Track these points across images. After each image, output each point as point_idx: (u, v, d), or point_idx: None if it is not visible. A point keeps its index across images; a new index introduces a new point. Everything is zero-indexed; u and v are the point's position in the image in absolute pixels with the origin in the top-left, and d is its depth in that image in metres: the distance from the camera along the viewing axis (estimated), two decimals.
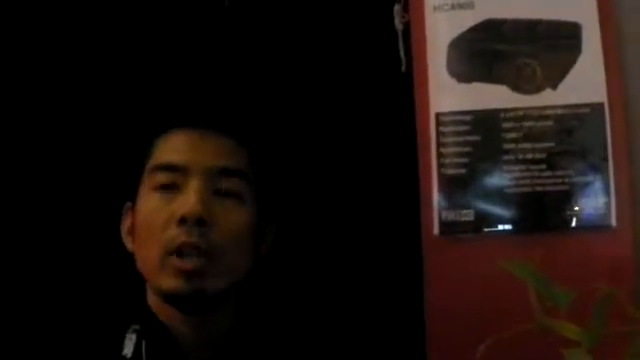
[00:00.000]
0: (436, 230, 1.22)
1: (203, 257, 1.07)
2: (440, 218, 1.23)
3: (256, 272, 1.17)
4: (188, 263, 1.07)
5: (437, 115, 1.24)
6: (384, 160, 1.41)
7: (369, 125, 1.41)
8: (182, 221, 1.07)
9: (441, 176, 1.23)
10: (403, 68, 1.28)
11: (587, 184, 1.21)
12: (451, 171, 1.23)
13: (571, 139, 1.22)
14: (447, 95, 1.24)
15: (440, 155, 1.24)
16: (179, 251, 1.07)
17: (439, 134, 1.24)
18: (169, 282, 1.08)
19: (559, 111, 1.22)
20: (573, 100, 1.22)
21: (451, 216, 1.22)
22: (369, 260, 1.25)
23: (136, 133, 1.19)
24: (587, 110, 1.22)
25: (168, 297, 1.09)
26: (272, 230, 1.20)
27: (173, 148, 1.13)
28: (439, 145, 1.24)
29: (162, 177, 1.11)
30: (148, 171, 1.14)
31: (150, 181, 1.12)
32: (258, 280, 1.22)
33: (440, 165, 1.23)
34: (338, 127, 1.42)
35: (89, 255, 1.42)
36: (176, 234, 1.07)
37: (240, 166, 1.13)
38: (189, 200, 1.08)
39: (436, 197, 1.23)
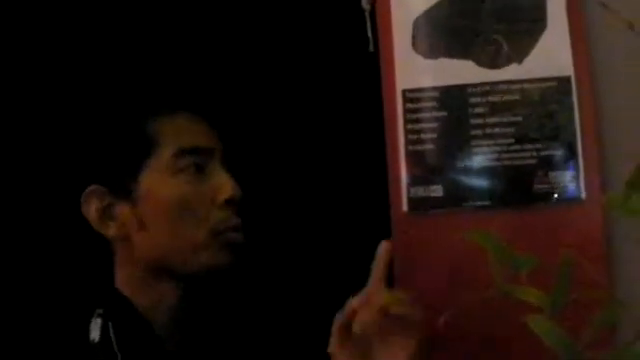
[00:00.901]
0: (405, 207, 1.21)
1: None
2: (408, 195, 1.21)
3: None
4: (239, 236, 1.14)
5: (404, 92, 1.23)
6: (351, 139, 1.39)
7: (336, 106, 1.40)
8: (228, 203, 1.12)
9: (408, 153, 1.22)
10: (371, 47, 1.27)
11: (556, 157, 1.20)
12: (419, 147, 1.22)
13: (539, 113, 1.21)
14: (413, 72, 1.23)
15: (407, 132, 1.22)
16: (236, 229, 1.12)
17: (406, 111, 1.23)
18: (221, 257, 1.12)
19: (525, 85, 1.21)
20: (539, 74, 1.21)
21: (419, 192, 1.21)
22: (338, 240, 1.23)
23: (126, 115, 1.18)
24: (554, 83, 1.21)
25: (210, 272, 1.12)
26: None
27: (190, 131, 1.15)
28: (406, 122, 1.23)
29: (191, 159, 1.12)
30: (164, 154, 1.12)
31: (174, 164, 1.12)
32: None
33: (407, 142, 1.22)
34: (306, 108, 1.40)
35: (51, 240, 1.40)
36: (226, 216, 1.13)
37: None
38: (227, 182, 1.13)
39: (404, 174, 1.22)
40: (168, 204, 1.13)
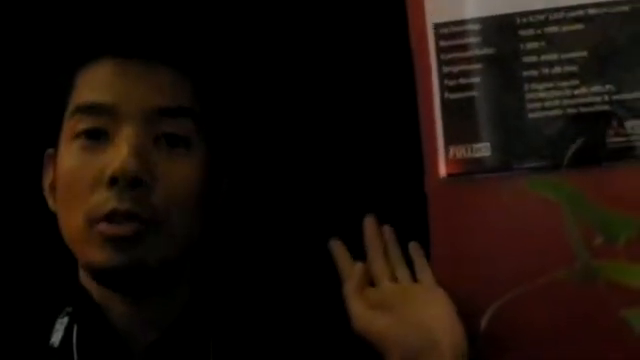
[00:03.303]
0: (442, 170, 1.00)
1: (139, 222, 0.86)
2: (447, 155, 1.00)
3: (212, 239, 0.97)
4: (120, 228, 0.85)
5: (436, 26, 1.01)
6: (374, 86, 1.18)
7: (356, 45, 1.18)
8: (112, 182, 0.86)
9: (445, 102, 1.00)
10: None
11: (633, 102, 0.98)
12: (457, 95, 1.00)
13: (609, 46, 0.98)
14: (446, 1, 1.02)
15: (442, 76, 1.01)
16: (109, 218, 0.85)
17: (439, 50, 1.01)
18: (97, 254, 0.86)
19: (591, 11, 0.99)
20: None
21: (461, 152, 1.00)
22: (363, 208, 1.03)
23: (56, 63, 0.97)
24: (626, 7, 0.99)
25: (98, 274, 0.88)
26: (227, 181, 1.00)
27: (98, 83, 0.91)
28: (440, 64, 1.01)
29: (85, 122, 0.90)
30: (68, 114, 0.92)
31: (71, 127, 0.91)
32: (215, 249, 1.03)
33: (443, 89, 1.01)
34: (318, 49, 1.19)
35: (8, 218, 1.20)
36: (104, 199, 0.86)
37: (185, 103, 0.91)
38: (121, 152, 0.86)
39: (440, 129, 1.00)
40: (61, 178, 0.92)
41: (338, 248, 1.02)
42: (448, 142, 1.00)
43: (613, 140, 0.98)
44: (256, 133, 1.17)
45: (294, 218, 1.17)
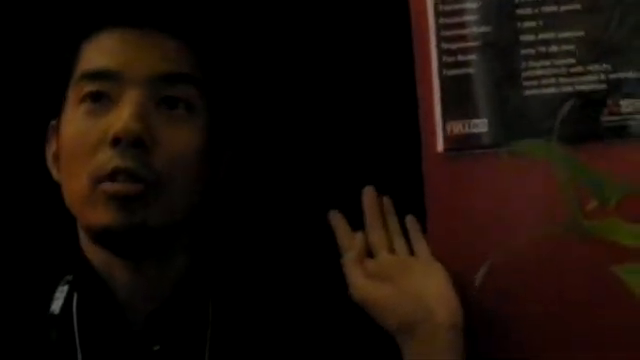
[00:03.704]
0: (440, 145, 1.01)
1: (141, 183, 0.87)
2: (444, 131, 1.01)
3: (212, 209, 0.98)
4: (122, 186, 0.86)
5: (435, 4, 1.02)
6: (374, 62, 1.18)
7: (356, 21, 1.18)
8: (115, 142, 0.87)
9: (444, 79, 1.01)
10: None
11: (630, 81, 0.98)
12: (456, 72, 1.01)
13: (606, 25, 0.99)
14: None
15: (441, 52, 1.01)
16: (112, 177, 0.86)
17: (439, 27, 1.02)
18: (99, 215, 0.87)
19: None
20: None
21: (458, 128, 1.00)
22: (359, 183, 1.03)
23: (60, 35, 0.98)
24: None
25: (99, 235, 0.89)
26: (229, 153, 1.00)
27: (104, 51, 0.93)
28: (439, 40, 1.02)
29: (90, 86, 0.91)
30: (74, 81, 0.93)
31: (76, 93, 0.92)
32: (215, 219, 1.02)
33: (442, 65, 1.01)
34: (319, 25, 1.20)
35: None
36: (107, 158, 0.87)
37: (188, 70, 0.93)
38: (123, 114, 0.88)
39: (438, 105, 1.01)
40: (65, 144, 0.92)
41: (337, 219, 1.03)
42: (446, 118, 1.01)
43: (608, 119, 0.99)
44: (257, 105, 1.17)
45: (294, 191, 1.18)
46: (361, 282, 0.96)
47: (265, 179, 1.19)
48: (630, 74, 0.98)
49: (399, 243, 1.00)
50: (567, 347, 0.97)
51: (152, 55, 0.91)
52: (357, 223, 1.01)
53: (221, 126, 0.96)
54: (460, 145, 1.00)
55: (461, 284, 0.95)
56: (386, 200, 1.03)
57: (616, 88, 0.99)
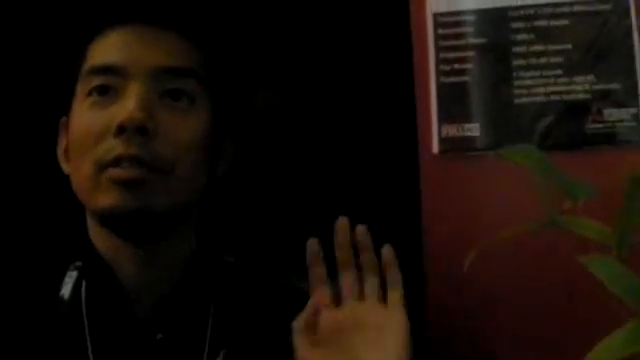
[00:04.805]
0: (435, 148, 1.07)
1: (145, 168, 0.90)
2: (440, 134, 1.07)
3: (214, 201, 1.01)
4: (126, 171, 0.89)
5: (435, 16, 1.08)
6: (375, 68, 1.23)
7: (359, 31, 1.23)
8: (120, 130, 0.90)
9: (440, 85, 1.07)
10: None
11: (613, 92, 1.04)
12: (452, 79, 1.07)
13: (591, 39, 1.05)
14: None
15: (439, 61, 1.07)
16: (116, 163, 0.90)
17: (437, 37, 1.08)
18: (105, 198, 0.90)
19: (576, 7, 1.06)
20: None
21: (452, 131, 1.06)
22: (358, 185, 1.08)
23: (69, 36, 1.03)
24: (608, 5, 1.05)
25: (105, 218, 0.92)
26: (232, 146, 1.03)
27: (110, 48, 0.96)
28: (438, 50, 1.08)
29: (97, 80, 0.94)
30: (81, 77, 0.96)
31: (83, 87, 0.95)
32: (218, 211, 1.07)
33: (439, 73, 1.07)
34: (322, 32, 1.24)
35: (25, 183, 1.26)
36: (112, 146, 0.90)
37: (191, 66, 0.96)
38: (128, 105, 0.91)
39: (435, 110, 1.07)
40: (73, 133, 0.95)
41: (314, 255, 0.95)
42: (441, 121, 1.06)
43: (592, 126, 1.05)
44: (257, 106, 1.21)
45: (293, 191, 1.21)
46: (304, 353, 0.90)
47: (265, 179, 1.21)
48: (613, 85, 1.04)
49: (370, 285, 0.93)
50: (544, 344, 1.01)
51: (156, 50, 0.94)
52: (355, 221, 0.97)
53: (223, 119, 0.99)
54: (454, 147, 1.06)
55: (457, 283, 0.98)
56: (361, 230, 0.93)
57: (600, 98, 1.04)
